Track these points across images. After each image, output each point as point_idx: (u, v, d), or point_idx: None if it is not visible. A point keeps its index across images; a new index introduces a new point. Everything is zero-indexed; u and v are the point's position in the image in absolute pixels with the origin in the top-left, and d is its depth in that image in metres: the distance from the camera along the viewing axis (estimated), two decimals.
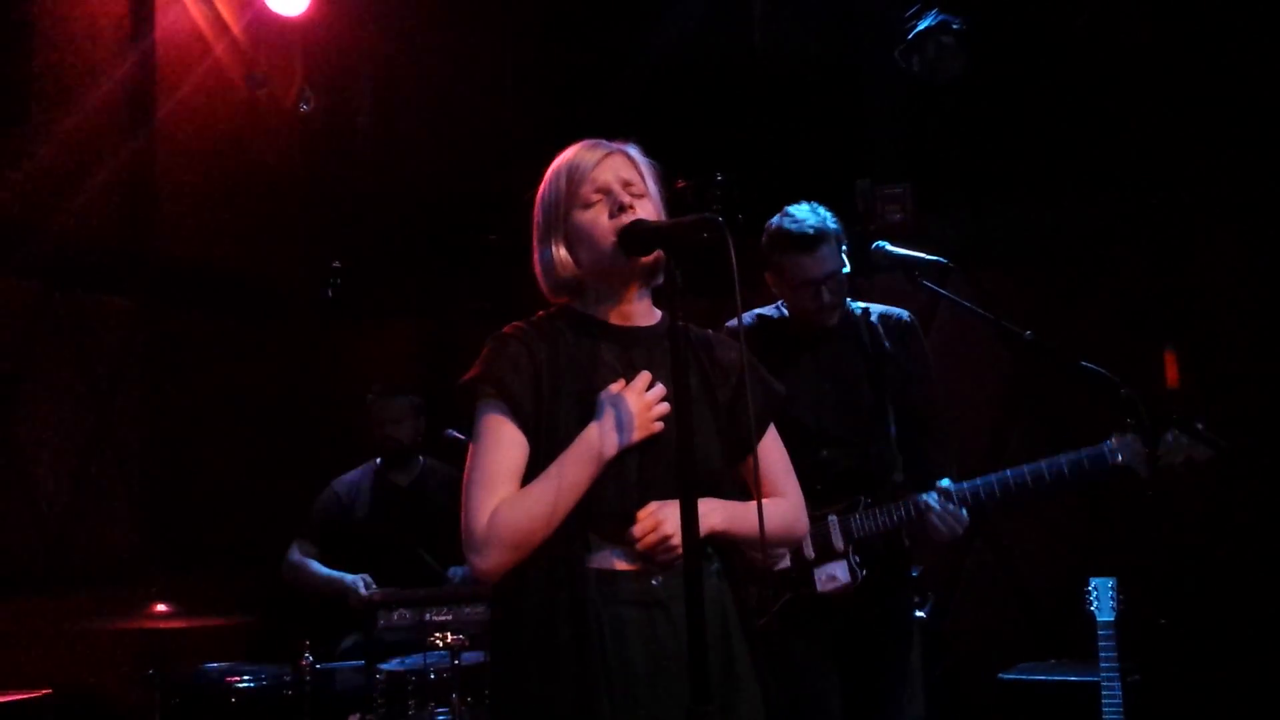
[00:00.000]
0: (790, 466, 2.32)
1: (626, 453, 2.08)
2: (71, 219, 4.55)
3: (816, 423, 3.29)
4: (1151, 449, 3.12)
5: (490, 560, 2.05)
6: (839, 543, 3.24)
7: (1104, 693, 3.45)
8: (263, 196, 5.48)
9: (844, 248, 3.32)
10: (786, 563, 3.24)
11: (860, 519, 3.25)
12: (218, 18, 5.12)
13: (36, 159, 4.38)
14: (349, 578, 4.41)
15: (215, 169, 5.22)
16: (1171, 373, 4.57)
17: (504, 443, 2.09)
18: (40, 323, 4.46)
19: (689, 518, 1.92)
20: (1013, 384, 4.96)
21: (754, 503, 2.10)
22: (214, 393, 5.13)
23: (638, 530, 2.05)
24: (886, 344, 3.38)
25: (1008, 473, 3.23)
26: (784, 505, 2.28)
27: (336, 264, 5.13)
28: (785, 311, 3.42)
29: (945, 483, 3.25)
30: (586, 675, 2.02)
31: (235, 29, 5.17)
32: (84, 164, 4.59)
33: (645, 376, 2.13)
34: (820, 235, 3.25)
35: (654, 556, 2.06)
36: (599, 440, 2.06)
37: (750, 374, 2.14)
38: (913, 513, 3.22)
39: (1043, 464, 3.21)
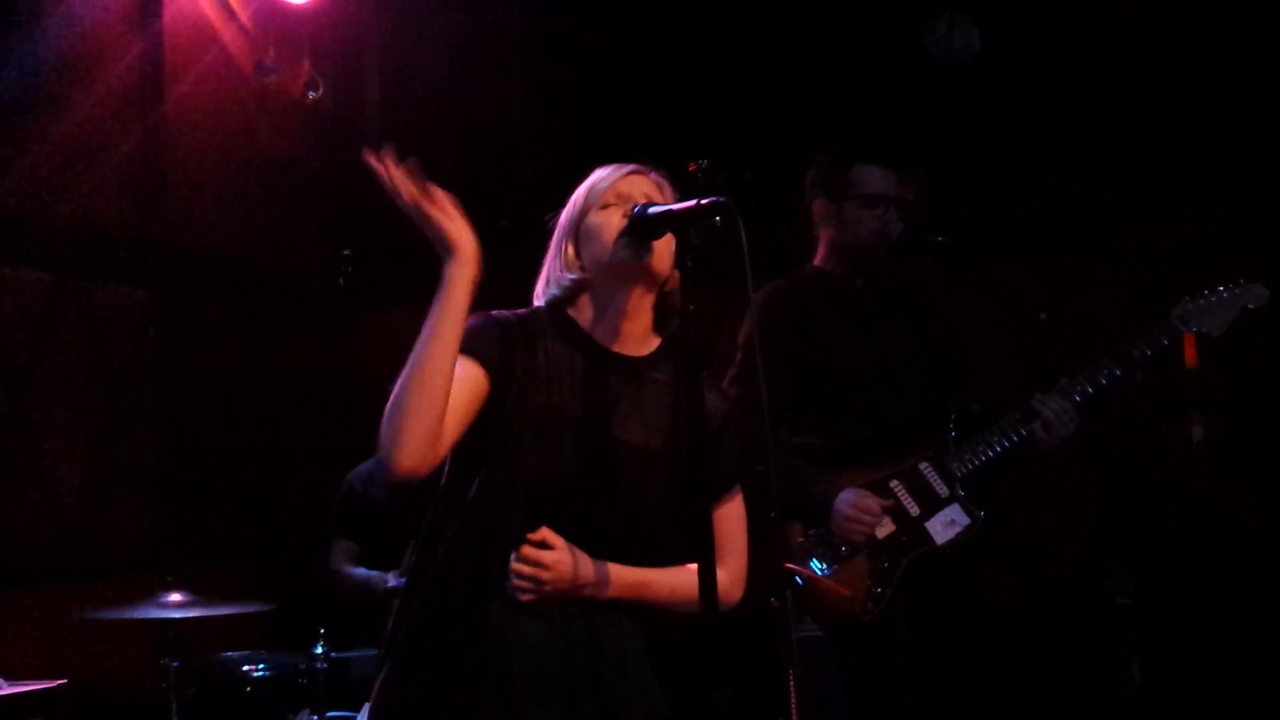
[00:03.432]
0: (744, 538, 2.23)
1: (570, 507, 2.08)
2: (81, 208, 4.54)
3: (903, 369, 3.22)
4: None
5: (383, 450, 2.15)
6: (942, 488, 3.11)
7: (1118, 677, 3.44)
8: (272, 185, 5.46)
9: None
10: (890, 527, 3.10)
11: (956, 455, 3.13)
12: (226, 5, 5.09)
13: (45, 148, 4.36)
14: (376, 575, 4.42)
15: (224, 157, 5.20)
16: (1189, 352, 4.53)
17: (460, 377, 2.09)
18: (51, 313, 4.45)
19: (708, 571, 1.94)
20: (1027, 365, 4.91)
21: (672, 571, 2.14)
22: (226, 381, 5.13)
23: (526, 550, 2.04)
24: (917, 297, 3.39)
25: (1101, 363, 3.13)
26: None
27: (347, 251, 5.11)
28: (824, 266, 3.37)
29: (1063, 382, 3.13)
30: (471, 682, 2.02)
31: (243, 16, 5.14)
32: (93, 153, 4.57)
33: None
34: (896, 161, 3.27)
35: (517, 584, 2.03)
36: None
37: (729, 430, 2.17)
38: (1020, 423, 3.09)
39: (1128, 349, 3.12)
